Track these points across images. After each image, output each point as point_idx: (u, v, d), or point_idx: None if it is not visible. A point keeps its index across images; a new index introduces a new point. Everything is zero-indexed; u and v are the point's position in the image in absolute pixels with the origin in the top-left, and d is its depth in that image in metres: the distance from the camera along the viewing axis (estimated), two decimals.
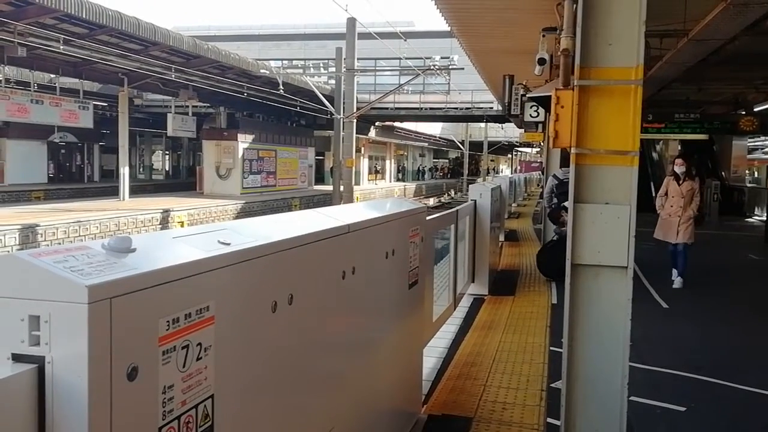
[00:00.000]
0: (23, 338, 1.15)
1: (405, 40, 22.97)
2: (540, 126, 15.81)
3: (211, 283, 1.50)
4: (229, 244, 1.63)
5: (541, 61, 9.03)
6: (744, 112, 18.32)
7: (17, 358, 1.15)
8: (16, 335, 1.15)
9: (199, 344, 1.45)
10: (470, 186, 8.25)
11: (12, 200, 23.29)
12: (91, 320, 1.13)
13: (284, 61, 45.54)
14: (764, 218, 16.61)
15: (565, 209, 9.02)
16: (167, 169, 42.10)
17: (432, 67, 23.39)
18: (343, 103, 23.60)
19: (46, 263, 1.16)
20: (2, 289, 1.16)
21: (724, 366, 5.39)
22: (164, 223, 18.37)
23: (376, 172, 45.27)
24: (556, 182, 9.58)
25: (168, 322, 1.34)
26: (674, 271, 8.73)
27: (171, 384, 1.35)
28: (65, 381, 1.14)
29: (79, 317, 1.12)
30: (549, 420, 3.88)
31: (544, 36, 9.18)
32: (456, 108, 34.74)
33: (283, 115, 30.93)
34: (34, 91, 20.35)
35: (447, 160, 66.74)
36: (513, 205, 21.06)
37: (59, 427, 1.15)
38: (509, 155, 74.51)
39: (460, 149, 51.36)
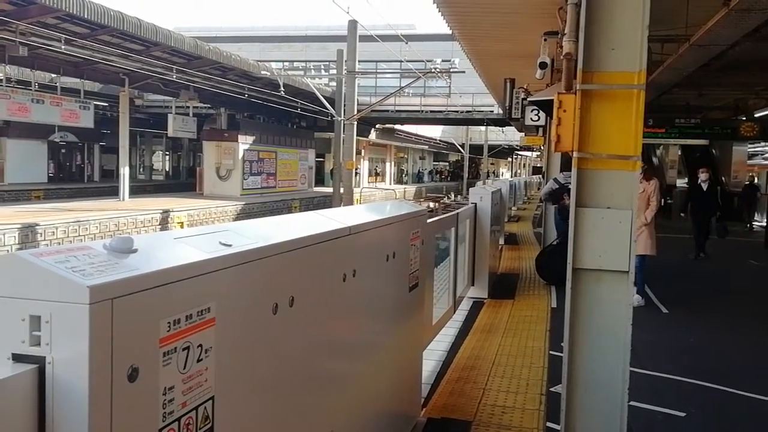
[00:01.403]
0: (24, 338, 1.15)
1: (406, 43, 22.97)
2: (540, 130, 15.81)
3: (212, 285, 1.50)
4: (230, 245, 1.63)
5: (543, 65, 9.03)
6: (744, 118, 18.34)
7: (18, 358, 1.15)
8: (17, 335, 1.15)
9: (200, 346, 1.45)
10: (470, 189, 8.25)
11: (12, 199, 23.27)
12: (93, 321, 1.12)
13: (285, 63, 45.52)
14: (764, 224, 16.61)
15: (568, 192, 9.10)
16: (167, 169, 42.11)
17: (433, 70, 23.40)
18: (344, 105, 23.61)
19: (48, 263, 1.15)
20: (3, 289, 1.16)
21: (724, 372, 5.39)
22: (164, 223, 18.36)
23: (376, 174, 45.27)
24: (557, 186, 9.59)
25: (169, 323, 1.33)
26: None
27: (171, 385, 1.35)
28: (65, 382, 1.13)
29: (81, 318, 1.11)
30: (548, 424, 3.87)
31: (545, 40, 9.19)
32: (457, 111, 34.77)
33: (283, 117, 30.95)
34: (35, 90, 20.36)
35: (447, 163, 66.77)
36: (513, 208, 21.06)
37: (59, 428, 1.14)
38: (509, 159, 74.53)
39: (461, 152, 51.38)
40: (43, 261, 1.16)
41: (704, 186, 12.59)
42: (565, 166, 9.81)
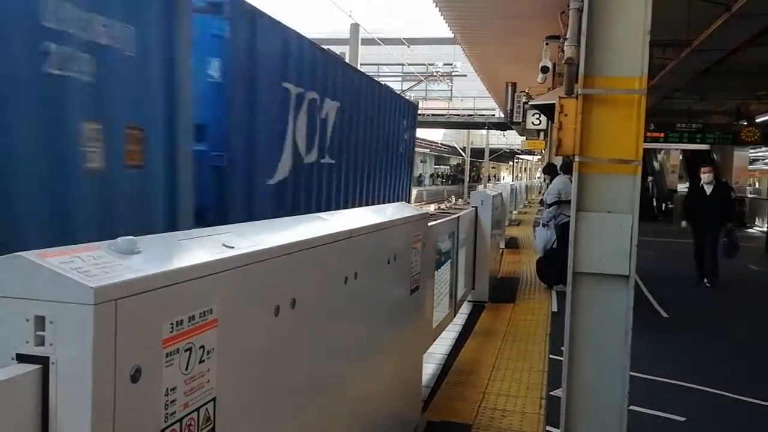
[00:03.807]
0: (28, 338, 1.15)
1: (408, 47, 23.04)
2: (542, 134, 15.85)
3: (214, 286, 1.50)
4: (233, 247, 1.63)
5: (544, 69, 9.07)
6: (746, 123, 18.37)
7: (22, 358, 1.15)
8: (21, 335, 1.15)
9: (202, 347, 1.45)
10: (472, 193, 8.26)
11: None
12: (97, 321, 1.13)
13: None
14: (765, 229, 16.59)
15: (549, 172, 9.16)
16: None
17: (434, 74, 23.45)
18: None
19: (53, 264, 1.16)
20: (8, 289, 1.16)
21: (724, 376, 5.39)
22: None
23: None
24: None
25: (172, 324, 1.34)
26: None
27: (174, 386, 1.36)
28: (69, 382, 1.14)
29: (85, 318, 1.12)
30: (548, 428, 3.88)
31: (547, 44, 9.23)
32: (458, 114, 34.85)
33: None
34: None
35: (448, 167, 66.82)
36: (514, 212, 21.06)
37: (62, 428, 1.15)
38: (510, 162, 74.59)
39: (462, 156, 51.41)
40: (48, 261, 1.17)
41: (707, 189, 9.75)
42: (565, 168, 9.82)
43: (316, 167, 5.22)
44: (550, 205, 8.55)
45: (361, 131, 6.52)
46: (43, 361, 1.15)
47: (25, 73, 2.94)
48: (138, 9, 3.29)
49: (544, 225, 8.73)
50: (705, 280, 9.50)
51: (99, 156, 3.05)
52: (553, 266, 8.00)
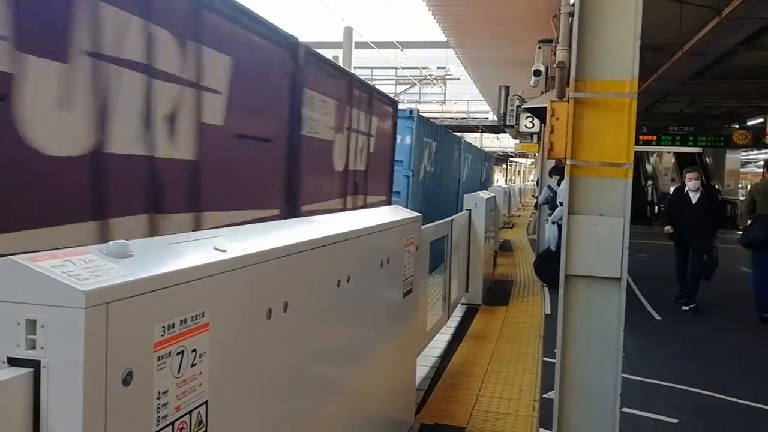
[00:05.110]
0: (19, 342, 1.15)
1: (402, 50, 23.07)
2: (535, 137, 15.89)
3: (206, 290, 1.51)
4: (225, 250, 1.64)
5: (537, 73, 9.10)
6: (737, 126, 18.48)
7: (13, 361, 1.15)
8: (12, 339, 1.15)
9: (194, 350, 1.46)
10: (465, 196, 8.28)
11: None
12: (88, 325, 1.13)
13: None
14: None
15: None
16: None
17: (428, 77, 23.49)
18: None
19: (44, 267, 1.16)
20: None
21: (716, 378, 5.41)
22: None
23: None
24: (551, 194, 9.63)
25: (163, 327, 1.34)
26: None
27: (165, 390, 1.36)
28: (60, 385, 1.14)
29: (76, 322, 1.12)
30: (542, 430, 3.89)
31: (539, 48, 9.27)
32: (451, 118, 34.86)
33: None
34: None
35: None
36: (507, 215, 21.11)
37: None
38: (504, 165, 74.70)
39: None
40: (39, 265, 1.17)
41: (693, 197, 8.38)
42: (559, 172, 9.85)
43: (428, 176, 10.44)
44: (562, 203, 8.57)
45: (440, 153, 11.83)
46: (35, 365, 1.15)
47: None
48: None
49: (554, 222, 8.85)
50: (684, 307, 8.38)
51: None
52: (553, 265, 8.01)
